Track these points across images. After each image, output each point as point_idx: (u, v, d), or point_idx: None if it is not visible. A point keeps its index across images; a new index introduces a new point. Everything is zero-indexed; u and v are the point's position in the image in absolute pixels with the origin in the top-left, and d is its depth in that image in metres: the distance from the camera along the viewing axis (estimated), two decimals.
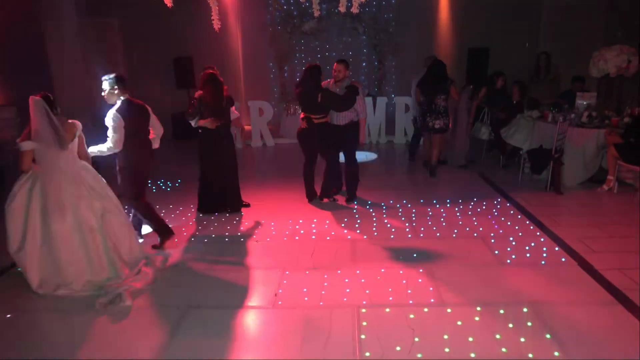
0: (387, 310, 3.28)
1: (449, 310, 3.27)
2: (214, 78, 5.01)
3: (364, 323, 3.13)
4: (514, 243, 4.36)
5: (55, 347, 3.04)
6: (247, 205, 5.59)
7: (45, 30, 7.57)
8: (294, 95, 5.64)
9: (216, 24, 5.19)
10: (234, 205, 5.44)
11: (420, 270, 3.86)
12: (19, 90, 9.39)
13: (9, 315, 3.41)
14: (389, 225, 4.91)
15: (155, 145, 4.48)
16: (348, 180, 5.71)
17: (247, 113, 9.67)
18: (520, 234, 4.59)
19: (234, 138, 5.56)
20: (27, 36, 9.18)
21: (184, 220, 5.28)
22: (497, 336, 2.95)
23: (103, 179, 3.95)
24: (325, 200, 5.74)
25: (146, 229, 4.66)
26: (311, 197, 5.75)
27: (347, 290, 3.59)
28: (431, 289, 3.57)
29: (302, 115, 5.48)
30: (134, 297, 3.56)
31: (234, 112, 5.47)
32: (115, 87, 4.05)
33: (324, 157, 5.64)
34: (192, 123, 5.04)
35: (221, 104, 5.08)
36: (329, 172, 5.68)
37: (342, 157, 5.66)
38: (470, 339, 2.93)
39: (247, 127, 9.75)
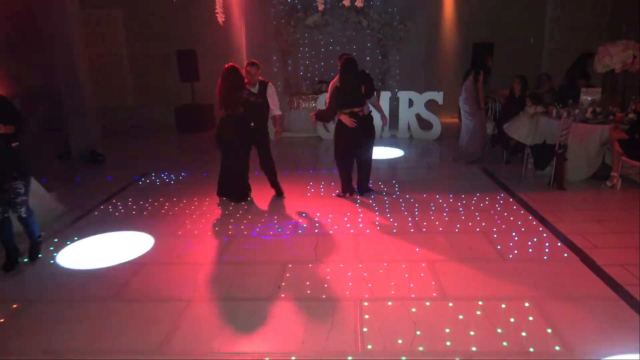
0: (389, 303, 3.30)
1: (450, 304, 3.29)
2: (223, 72, 5.10)
3: (366, 316, 3.16)
4: (516, 238, 4.37)
5: (59, 338, 3.08)
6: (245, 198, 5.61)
7: (50, 23, 7.57)
8: (333, 92, 5.33)
9: (220, 17, 5.18)
10: (234, 195, 5.54)
11: (423, 265, 3.88)
12: (23, 82, 9.45)
13: (15, 306, 3.45)
14: (391, 220, 4.92)
15: None
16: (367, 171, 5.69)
17: None
18: (522, 229, 4.59)
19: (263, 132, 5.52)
20: (31, 29, 9.19)
21: (187, 213, 5.30)
22: (499, 330, 2.97)
23: None
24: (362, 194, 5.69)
25: None
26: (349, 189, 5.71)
27: (350, 283, 3.61)
28: (433, 283, 3.59)
29: (338, 113, 5.23)
30: None
31: (273, 109, 5.45)
32: None
33: (366, 150, 5.50)
34: None
35: (223, 96, 5.13)
36: (369, 165, 5.62)
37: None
38: (472, 333, 2.95)
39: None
